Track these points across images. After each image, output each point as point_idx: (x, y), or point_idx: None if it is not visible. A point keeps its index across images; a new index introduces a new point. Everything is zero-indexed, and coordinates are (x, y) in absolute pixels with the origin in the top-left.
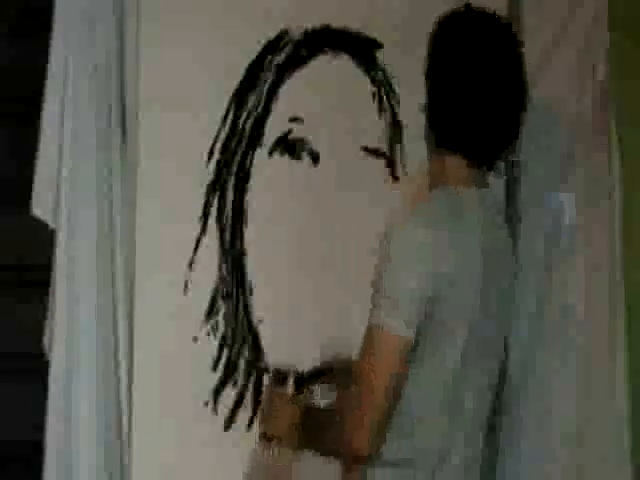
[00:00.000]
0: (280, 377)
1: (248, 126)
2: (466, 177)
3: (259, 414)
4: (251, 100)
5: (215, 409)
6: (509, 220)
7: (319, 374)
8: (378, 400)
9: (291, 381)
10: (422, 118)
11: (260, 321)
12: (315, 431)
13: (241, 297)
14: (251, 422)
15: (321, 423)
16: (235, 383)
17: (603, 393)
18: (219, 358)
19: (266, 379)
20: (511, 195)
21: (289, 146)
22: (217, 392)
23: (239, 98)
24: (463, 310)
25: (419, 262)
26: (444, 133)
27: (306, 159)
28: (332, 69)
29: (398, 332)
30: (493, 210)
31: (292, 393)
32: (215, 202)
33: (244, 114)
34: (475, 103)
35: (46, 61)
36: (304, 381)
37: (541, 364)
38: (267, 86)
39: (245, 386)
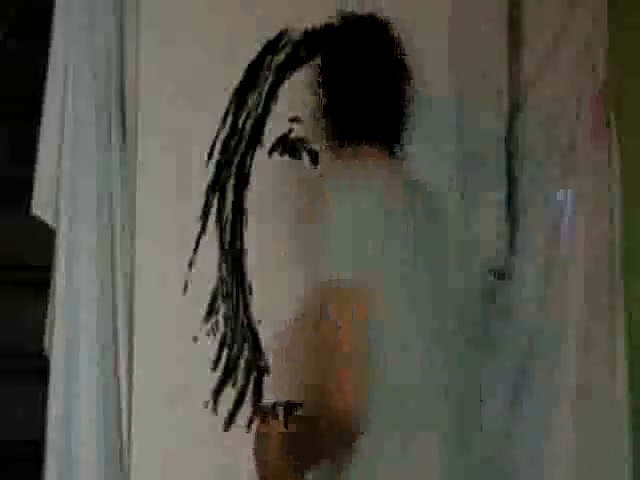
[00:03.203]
0: (271, 412)
1: (248, 126)
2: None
3: (256, 459)
4: (251, 100)
5: (215, 409)
6: (510, 220)
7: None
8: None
9: (281, 413)
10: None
11: (260, 321)
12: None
13: (241, 297)
14: (251, 422)
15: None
16: (235, 383)
17: (603, 393)
18: (219, 358)
19: (266, 380)
20: (511, 195)
21: (289, 146)
22: (217, 392)
23: (239, 98)
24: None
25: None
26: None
27: (306, 159)
28: None
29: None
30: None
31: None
32: (215, 202)
33: (244, 114)
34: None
35: (46, 61)
36: (292, 409)
37: (540, 364)
38: (267, 86)
39: (245, 386)
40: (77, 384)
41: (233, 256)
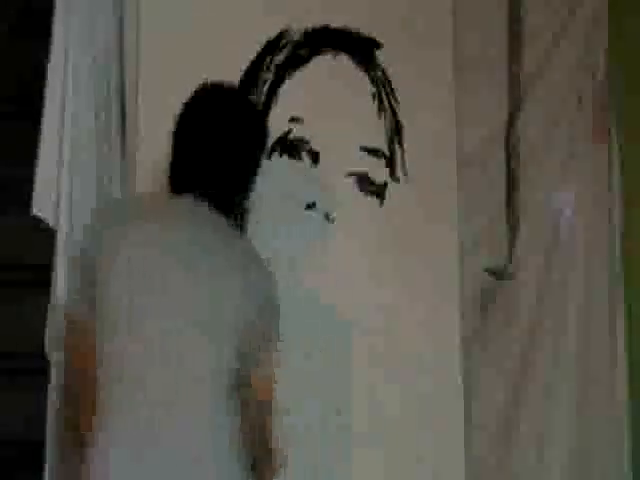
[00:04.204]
0: None
1: None
2: None
3: None
4: (251, 100)
5: None
6: (511, 220)
7: None
8: None
9: None
10: (423, 118)
11: None
12: None
13: None
14: None
15: None
16: None
17: (603, 393)
18: None
19: None
20: (511, 195)
21: (289, 146)
22: None
23: None
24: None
25: None
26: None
27: (306, 159)
28: (332, 69)
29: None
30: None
31: None
32: None
33: None
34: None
35: (46, 61)
36: None
37: (541, 364)
38: (267, 86)
39: None
40: None
41: None
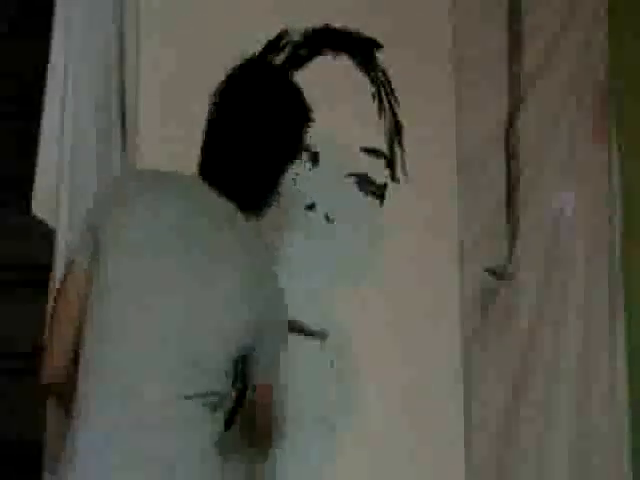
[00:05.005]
0: None
1: None
2: None
3: None
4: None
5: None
6: (511, 220)
7: None
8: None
9: None
10: (423, 118)
11: None
12: None
13: None
14: None
15: None
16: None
17: (603, 393)
18: None
19: None
20: (511, 195)
21: None
22: None
23: None
24: None
25: None
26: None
27: (306, 159)
28: (332, 69)
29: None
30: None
31: None
32: None
33: None
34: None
35: (46, 61)
36: None
37: (541, 364)
38: None
39: (245, 386)
40: None
41: None
